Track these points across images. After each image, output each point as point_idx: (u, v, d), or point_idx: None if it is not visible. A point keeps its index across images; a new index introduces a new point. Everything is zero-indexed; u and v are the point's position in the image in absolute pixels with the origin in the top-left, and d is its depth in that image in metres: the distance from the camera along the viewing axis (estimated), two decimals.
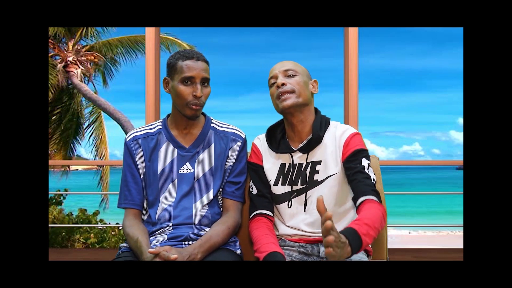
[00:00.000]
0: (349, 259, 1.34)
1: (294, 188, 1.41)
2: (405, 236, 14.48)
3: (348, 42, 2.98)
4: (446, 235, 14.53)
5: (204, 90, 1.41)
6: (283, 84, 1.37)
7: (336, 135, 1.40)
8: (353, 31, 2.96)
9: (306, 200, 1.40)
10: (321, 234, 1.37)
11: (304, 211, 1.40)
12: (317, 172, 1.39)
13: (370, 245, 1.47)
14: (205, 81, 1.41)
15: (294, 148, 1.43)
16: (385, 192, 1.62)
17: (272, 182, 1.44)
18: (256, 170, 1.48)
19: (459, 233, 14.35)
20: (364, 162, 1.35)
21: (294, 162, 1.42)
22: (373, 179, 1.34)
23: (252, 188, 1.48)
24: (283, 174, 1.43)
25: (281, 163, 1.44)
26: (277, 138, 1.48)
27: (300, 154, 1.42)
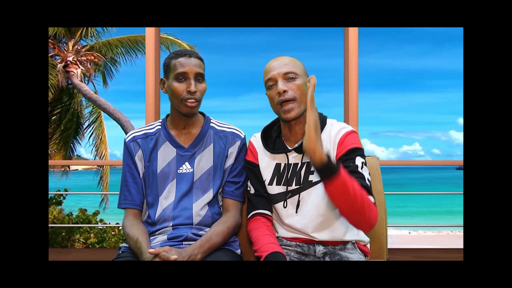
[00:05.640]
0: (348, 259, 1.34)
1: (289, 188, 1.40)
2: (405, 236, 14.48)
3: (348, 42, 2.98)
4: (446, 235, 14.54)
5: (199, 85, 1.41)
6: (284, 91, 1.32)
7: (332, 134, 1.37)
8: (353, 31, 2.97)
9: (299, 201, 1.38)
10: (314, 237, 1.37)
11: (296, 212, 1.38)
12: (312, 173, 1.37)
13: (368, 246, 1.47)
14: (199, 77, 1.41)
15: (289, 148, 1.41)
16: (385, 192, 1.62)
17: (267, 182, 1.43)
18: (252, 169, 1.47)
19: (459, 233, 14.37)
20: (358, 161, 1.31)
21: (289, 162, 1.40)
22: (368, 179, 1.30)
23: (250, 187, 1.47)
24: (278, 174, 1.42)
25: (277, 163, 1.43)
26: (273, 137, 1.46)
27: (295, 154, 1.40)
